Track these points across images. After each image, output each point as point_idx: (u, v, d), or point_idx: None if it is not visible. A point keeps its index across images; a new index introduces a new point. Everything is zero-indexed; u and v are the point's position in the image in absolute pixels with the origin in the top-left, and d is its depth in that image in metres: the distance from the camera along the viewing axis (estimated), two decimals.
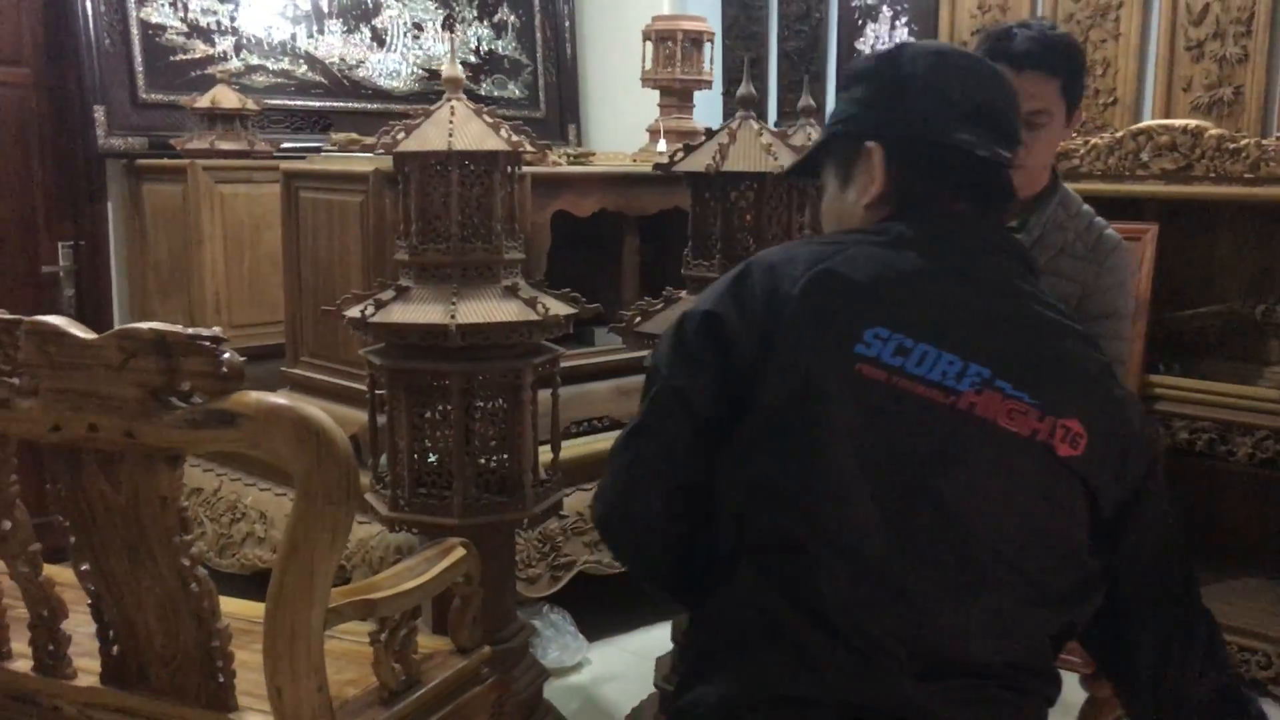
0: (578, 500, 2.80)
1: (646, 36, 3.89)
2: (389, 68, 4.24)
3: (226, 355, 1.31)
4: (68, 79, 3.52)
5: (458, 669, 1.69)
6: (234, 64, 3.79)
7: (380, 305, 2.03)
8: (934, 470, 1.11)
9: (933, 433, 1.11)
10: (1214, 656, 1.25)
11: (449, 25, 4.40)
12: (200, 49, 3.73)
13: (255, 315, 3.36)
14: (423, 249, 2.06)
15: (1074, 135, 2.84)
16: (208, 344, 1.30)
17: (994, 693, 1.12)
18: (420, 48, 4.34)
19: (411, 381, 2.08)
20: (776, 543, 1.13)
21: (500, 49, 4.61)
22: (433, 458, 2.12)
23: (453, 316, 1.96)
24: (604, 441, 3.01)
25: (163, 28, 3.64)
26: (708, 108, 4.24)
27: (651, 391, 1.24)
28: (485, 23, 4.56)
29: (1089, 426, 1.14)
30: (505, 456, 2.15)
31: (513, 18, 4.64)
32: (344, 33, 4.12)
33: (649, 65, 3.90)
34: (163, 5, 3.65)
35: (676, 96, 3.90)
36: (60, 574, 1.58)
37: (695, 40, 3.85)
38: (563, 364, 2.26)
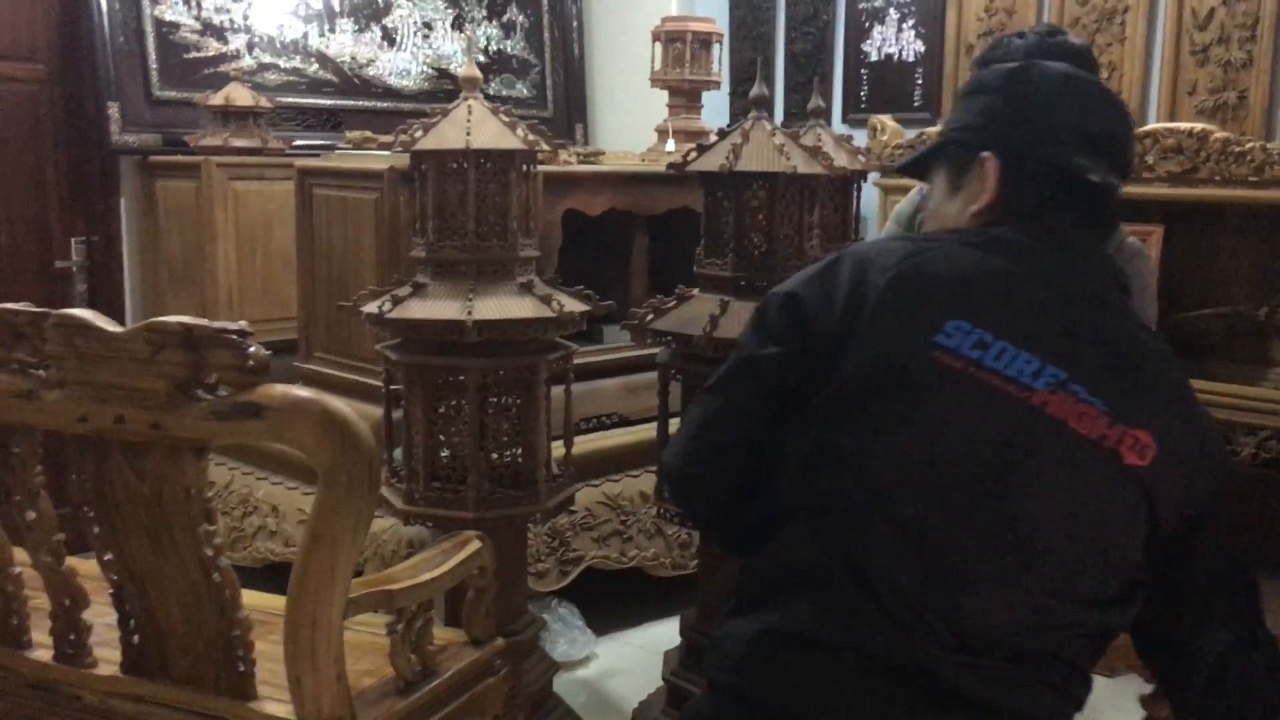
0: (587, 496, 2.82)
1: (656, 37, 3.92)
2: (399, 67, 4.27)
3: (252, 349, 1.33)
4: (82, 76, 3.55)
5: (472, 660, 1.71)
6: (246, 62, 3.82)
7: (397, 301, 2.05)
8: (998, 459, 1.13)
9: (1002, 424, 1.14)
10: (1275, 671, 1.25)
11: (459, 25, 4.43)
12: (213, 47, 3.76)
13: (267, 311, 3.38)
14: (439, 246, 2.08)
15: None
16: (234, 337, 1.33)
17: (1024, 679, 1.15)
18: (430, 47, 4.36)
19: (428, 377, 2.10)
20: (833, 503, 1.17)
21: (509, 49, 4.63)
22: (445, 453, 2.14)
23: (469, 313, 1.99)
24: (612, 438, 3.04)
25: (176, 25, 3.67)
26: (715, 109, 4.26)
27: (731, 358, 1.33)
28: (494, 23, 4.58)
29: (1159, 441, 1.16)
30: (519, 451, 2.17)
31: (521, 18, 4.66)
32: (355, 32, 4.15)
33: (658, 66, 3.93)
34: (176, 3, 3.67)
35: (685, 97, 3.93)
36: (79, 565, 1.60)
37: (704, 41, 3.88)
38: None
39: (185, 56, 3.69)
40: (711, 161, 2.07)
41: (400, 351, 2.12)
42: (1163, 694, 1.42)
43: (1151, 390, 1.19)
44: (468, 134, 2.03)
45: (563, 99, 4.79)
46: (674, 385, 2.24)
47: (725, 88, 4.38)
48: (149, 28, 3.60)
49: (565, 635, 2.90)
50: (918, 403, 1.15)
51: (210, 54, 3.75)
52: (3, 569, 1.59)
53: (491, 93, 4.49)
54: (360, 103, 4.14)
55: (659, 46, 3.92)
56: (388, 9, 4.24)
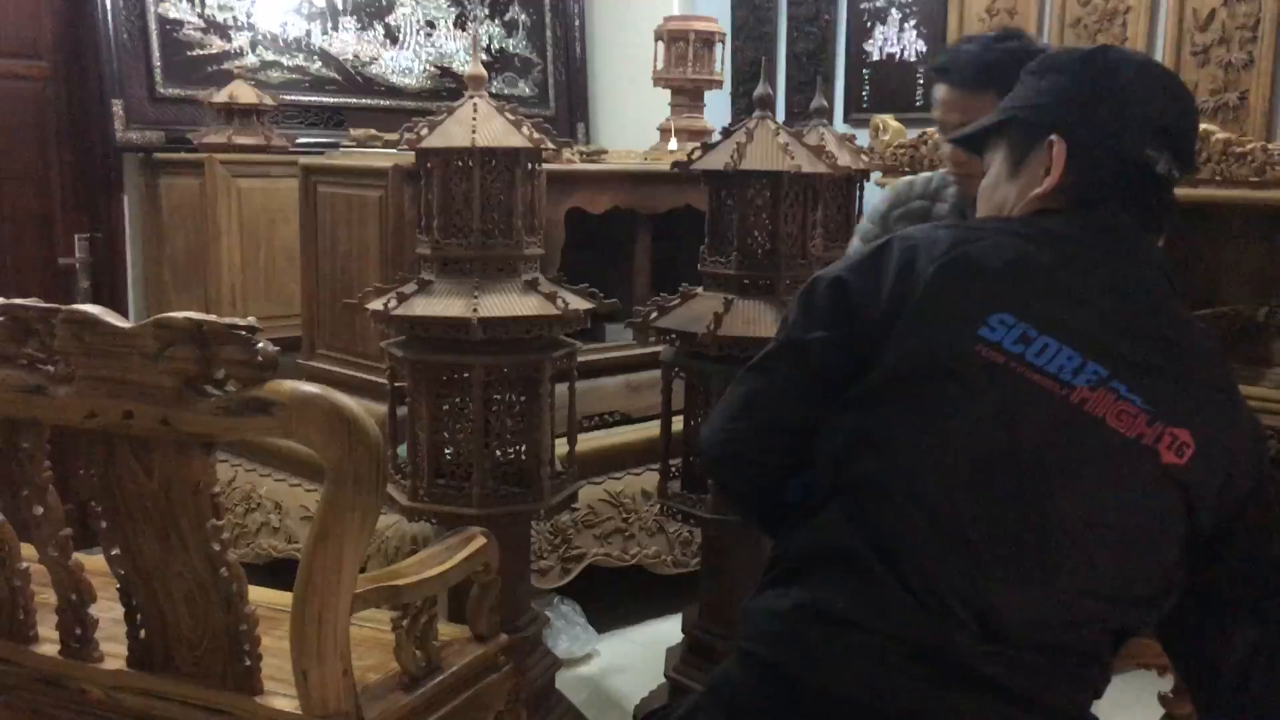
0: (589, 493, 2.83)
1: (658, 36, 3.93)
2: (401, 65, 4.28)
3: (261, 345, 1.34)
4: (86, 73, 3.56)
5: (476, 656, 1.72)
6: (249, 60, 3.82)
7: (403, 298, 2.06)
8: (1034, 455, 1.14)
9: (1040, 420, 1.14)
10: None
11: (462, 23, 4.44)
12: (217, 44, 3.77)
13: (270, 308, 3.39)
14: (445, 243, 2.09)
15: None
16: (244, 333, 1.33)
17: (1047, 669, 1.16)
18: (433, 45, 4.37)
19: (433, 374, 2.11)
20: (868, 489, 1.18)
21: (511, 47, 4.64)
22: (448, 451, 2.15)
23: (475, 310, 2.00)
24: (615, 436, 3.04)
25: (180, 23, 3.68)
26: (717, 108, 4.27)
27: (775, 340, 1.33)
28: (496, 21, 4.59)
29: (1199, 439, 1.16)
30: (523, 448, 2.18)
31: (523, 16, 4.67)
32: (357, 30, 4.15)
33: (660, 65, 3.94)
34: (180, 1, 3.68)
35: (688, 96, 3.94)
36: (85, 560, 1.61)
37: (707, 41, 3.89)
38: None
39: (189, 54, 3.70)
40: (716, 160, 2.08)
41: (405, 348, 2.13)
42: (1184, 692, 1.42)
43: (1193, 388, 1.19)
44: (473, 132, 2.03)
45: (564, 98, 4.80)
46: (677, 383, 2.25)
47: (727, 87, 4.39)
48: (153, 25, 3.60)
49: (567, 632, 2.91)
50: (958, 396, 1.15)
51: (214, 51, 3.76)
52: (10, 564, 1.59)
53: (493, 91, 4.50)
54: (363, 100, 4.15)
55: (661, 46, 3.93)
56: (390, 7, 4.25)
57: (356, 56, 4.15)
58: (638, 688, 2.65)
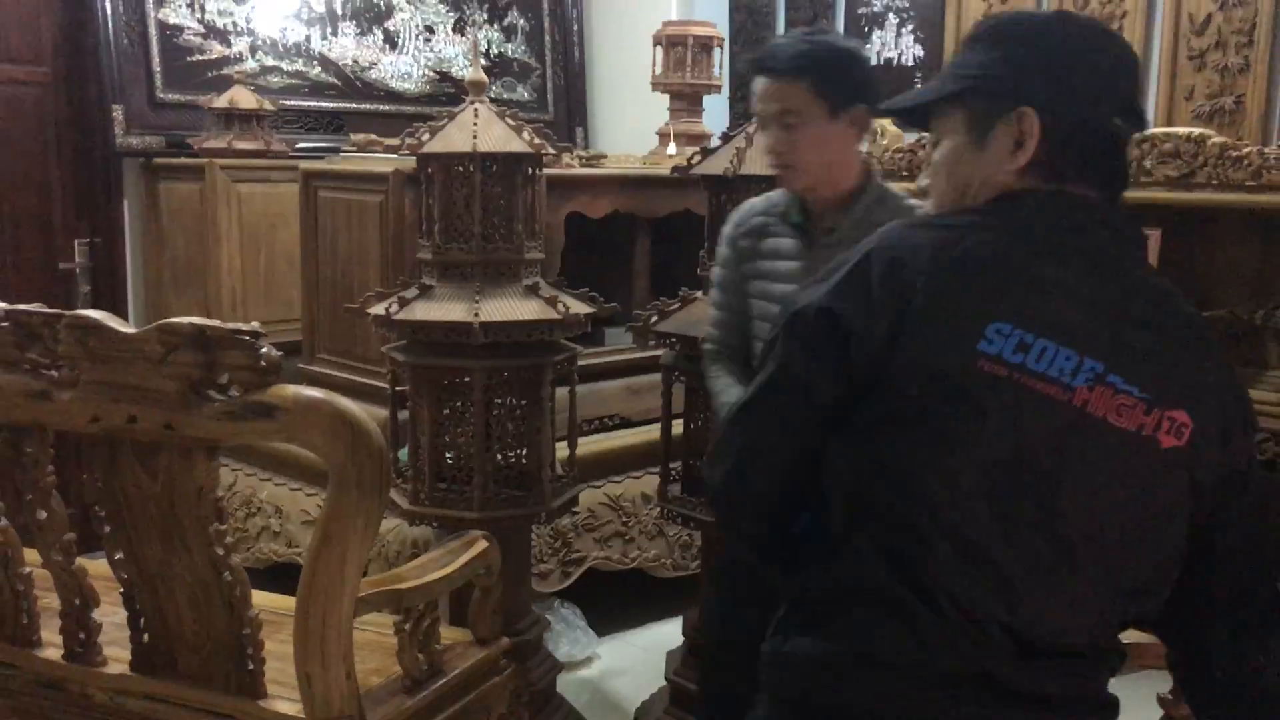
0: (589, 497, 2.84)
1: (657, 41, 3.94)
2: (401, 70, 4.29)
3: (265, 349, 1.35)
4: (86, 79, 3.56)
5: (478, 659, 1.73)
6: (249, 65, 3.83)
7: (404, 303, 2.06)
8: (1045, 463, 1.14)
9: (1048, 428, 1.14)
10: None
11: (461, 29, 4.45)
12: (217, 50, 3.78)
13: (270, 313, 3.39)
14: (446, 248, 2.10)
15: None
16: (248, 338, 1.34)
17: (1083, 670, 1.18)
18: (432, 50, 4.38)
19: (434, 378, 2.12)
20: (888, 521, 1.17)
21: (510, 52, 4.65)
22: (449, 455, 2.16)
23: (476, 314, 2.00)
24: (614, 440, 3.05)
25: (180, 28, 3.69)
26: (715, 112, 4.28)
27: (765, 372, 1.28)
28: (495, 26, 4.60)
29: (1195, 415, 1.16)
30: (524, 452, 2.18)
31: (522, 21, 4.68)
32: (357, 35, 4.16)
33: (659, 70, 3.95)
34: (180, 6, 3.69)
35: (686, 101, 3.95)
36: (89, 565, 1.61)
37: (705, 45, 3.90)
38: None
39: (188, 59, 3.71)
40: (716, 165, 2.09)
41: (407, 353, 2.13)
42: (1181, 694, 1.44)
43: (1185, 365, 1.19)
44: (474, 137, 2.04)
45: (563, 102, 4.81)
46: (677, 387, 2.26)
47: (725, 92, 4.40)
48: (153, 31, 3.61)
49: (568, 635, 2.91)
50: (968, 417, 1.15)
51: (213, 57, 3.77)
52: (14, 568, 1.60)
53: (492, 96, 4.50)
54: (362, 105, 4.16)
55: (659, 50, 3.94)
56: (389, 12, 4.26)
57: (356, 61, 4.16)
58: (638, 691, 2.66)
